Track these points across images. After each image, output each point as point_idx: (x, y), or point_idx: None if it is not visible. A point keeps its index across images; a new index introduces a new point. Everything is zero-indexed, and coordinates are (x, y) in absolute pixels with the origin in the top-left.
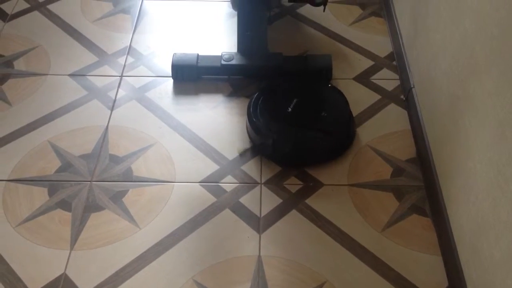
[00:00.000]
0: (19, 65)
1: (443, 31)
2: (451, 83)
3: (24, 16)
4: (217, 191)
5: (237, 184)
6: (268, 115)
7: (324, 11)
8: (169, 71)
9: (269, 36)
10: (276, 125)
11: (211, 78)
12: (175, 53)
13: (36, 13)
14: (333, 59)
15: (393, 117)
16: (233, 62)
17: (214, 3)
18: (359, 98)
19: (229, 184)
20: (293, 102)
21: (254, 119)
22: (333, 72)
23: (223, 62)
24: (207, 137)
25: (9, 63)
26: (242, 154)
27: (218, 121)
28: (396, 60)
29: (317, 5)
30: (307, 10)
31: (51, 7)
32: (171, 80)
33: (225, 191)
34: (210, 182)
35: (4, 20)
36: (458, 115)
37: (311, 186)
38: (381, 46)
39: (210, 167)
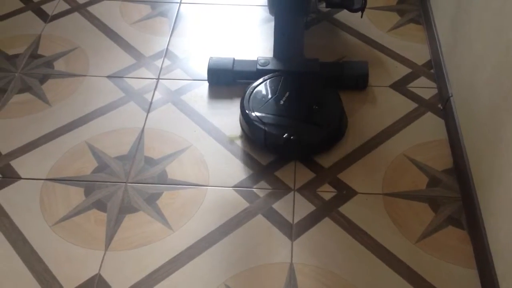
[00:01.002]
0: (59, 65)
1: (485, 40)
2: (493, 93)
3: (65, 17)
4: (250, 196)
5: (270, 190)
6: (260, 107)
7: (361, 17)
8: (205, 74)
9: (306, 42)
10: (267, 117)
11: (247, 82)
12: (211, 57)
13: (76, 14)
14: (369, 66)
15: (430, 126)
16: (269, 67)
17: (250, 7)
18: (395, 106)
19: (262, 189)
20: (285, 95)
21: (246, 111)
22: (370, 79)
23: (258, 67)
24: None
25: (49, 63)
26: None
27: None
28: (434, 68)
29: (355, 11)
30: (344, 15)
31: (91, 8)
32: (206, 84)
33: (258, 196)
34: (243, 187)
35: (45, 21)
36: (499, 126)
37: (345, 194)
38: (419, 53)
39: (243, 172)
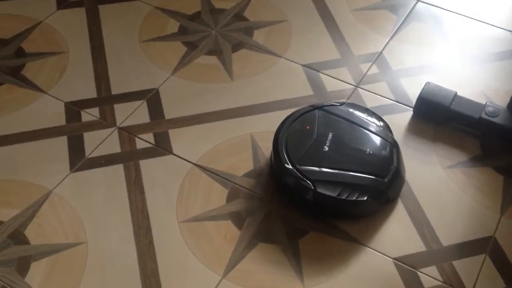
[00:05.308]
0: (258, 36)
1: None
2: None
3: None
4: (411, 280)
5: (440, 283)
6: (302, 159)
7: None
8: (413, 100)
9: None
10: (314, 172)
11: (460, 128)
12: (428, 82)
13: None
14: None
15: None
16: (496, 119)
17: (501, 31)
18: None
19: (429, 277)
20: (328, 137)
21: (286, 166)
22: None
23: (483, 115)
24: (425, 203)
25: (249, 30)
26: None
27: (448, 186)
28: None
29: None
30: None
31: None
32: (410, 113)
33: (421, 284)
34: (407, 265)
35: None
36: None
37: None
38: None
39: (415, 245)
